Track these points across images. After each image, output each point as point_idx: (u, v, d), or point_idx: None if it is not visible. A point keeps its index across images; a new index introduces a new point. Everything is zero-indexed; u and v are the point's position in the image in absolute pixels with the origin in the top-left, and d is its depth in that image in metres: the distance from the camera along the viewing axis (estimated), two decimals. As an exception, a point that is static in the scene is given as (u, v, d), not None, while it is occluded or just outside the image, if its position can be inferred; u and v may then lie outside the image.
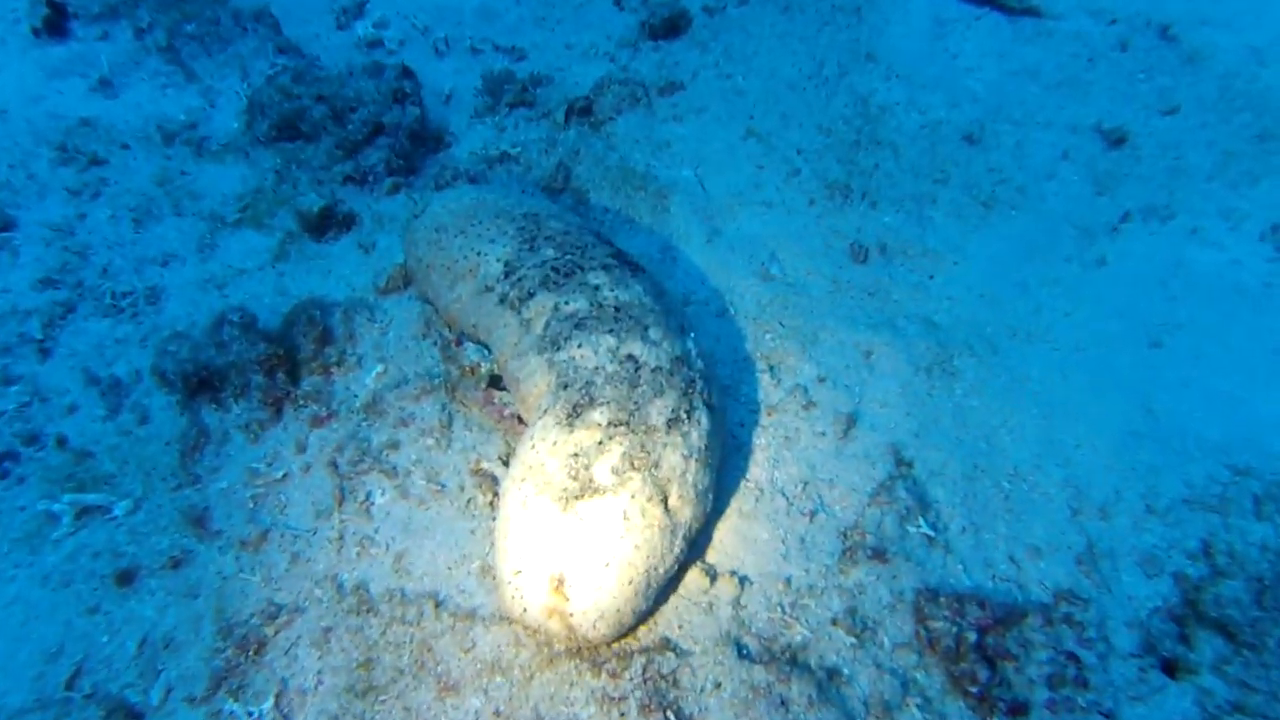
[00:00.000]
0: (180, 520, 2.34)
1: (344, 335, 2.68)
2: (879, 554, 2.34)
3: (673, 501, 2.15)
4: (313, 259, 2.96)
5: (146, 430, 2.52)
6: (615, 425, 2.13)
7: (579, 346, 2.26)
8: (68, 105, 3.49)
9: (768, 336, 2.83)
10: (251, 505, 2.38)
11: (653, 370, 2.25)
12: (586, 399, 2.16)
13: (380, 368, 2.62)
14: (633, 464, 2.11)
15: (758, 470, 2.51)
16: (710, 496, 2.28)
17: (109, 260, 2.96)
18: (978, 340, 2.84)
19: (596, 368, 2.21)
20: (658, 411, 2.19)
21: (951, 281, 3.00)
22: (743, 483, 2.48)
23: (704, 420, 2.28)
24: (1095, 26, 3.84)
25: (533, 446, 2.14)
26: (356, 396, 2.56)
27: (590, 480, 2.06)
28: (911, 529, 2.41)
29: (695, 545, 2.28)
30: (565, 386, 2.19)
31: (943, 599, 2.25)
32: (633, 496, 2.08)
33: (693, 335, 2.46)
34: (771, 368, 2.75)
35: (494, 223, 2.64)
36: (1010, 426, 2.64)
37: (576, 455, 2.08)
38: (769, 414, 2.64)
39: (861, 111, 3.48)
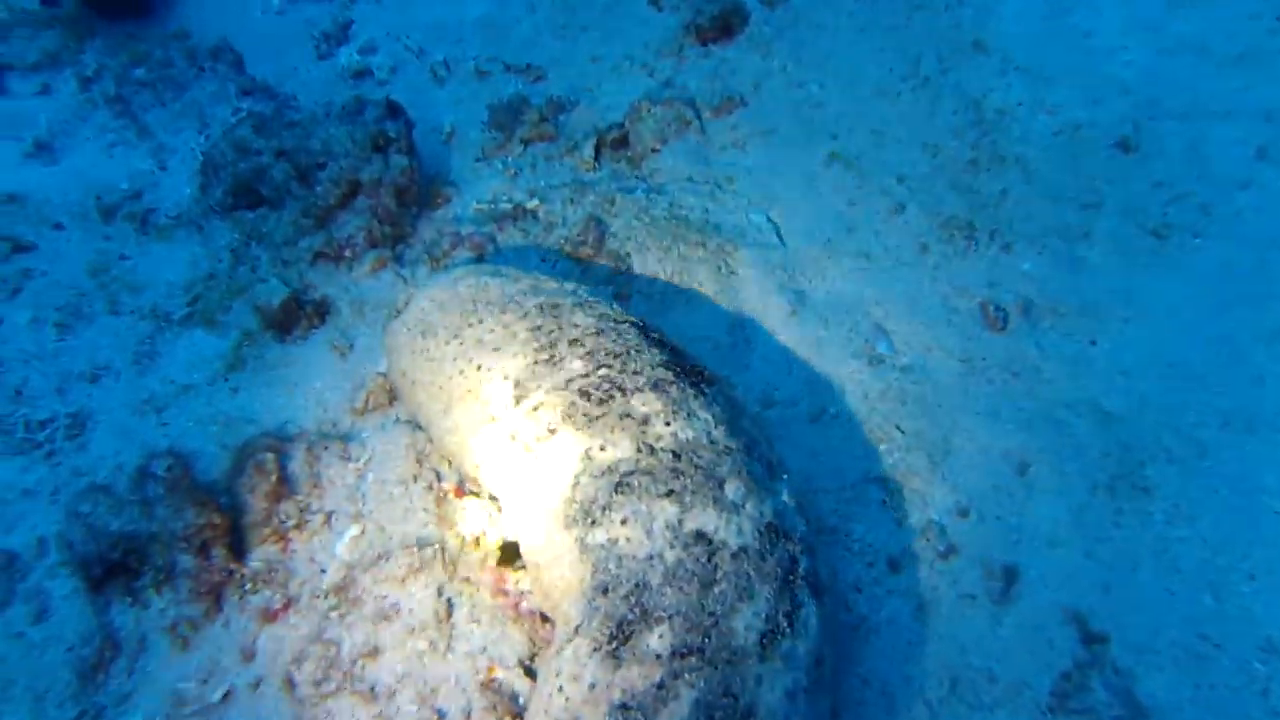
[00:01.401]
0: (83, 775, 1.68)
1: (307, 483, 1.99)
2: (1083, 803, 1.58)
3: (775, 769, 1.42)
4: (274, 367, 2.28)
5: (44, 630, 1.87)
6: (683, 655, 1.40)
7: (623, 523, 1.53)
8: (-6, 177, 2.87)
9: (883, 448, 2.07)
10: (179, 750, 1.71)
11: (734, 554, 1.51)
12: (638, 612, 1.43)
13: (355, 529, 1.92)
14: (711, 719, 1.38)
15: (883, 663, 1.76)
16: (827, 733, 1.54)
17: (25, 378, 2.32)
18: (1174, 435, 2.04)
19: (651, 557, 1.49)
20: (745, 624, 1.46)
21: (1123, 347, 2.20)
22: (861, 687, 1.73)
23: (813, 622, 1.54)
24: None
25: (560, 690, 1.43)
26: (324, 573, 1.87)
27: (649, 753, 1.34)
28: (1124, 753, 1.64)
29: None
30: (605, 591, 1.47)
31: None
32: (715, 777, 1.36)
33: (786, 477, 1.72)
34: (891, 495, 1.99)
35: (499, 321, 1.93)
36: (1246, 569, 1.85)
37: (626, 710, 1.37)
38: (893, 569, 1.89)
39: (975, 119, 2.68)
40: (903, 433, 2.08)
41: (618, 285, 2.33)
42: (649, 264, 2.37)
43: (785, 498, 1.68)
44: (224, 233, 2.52)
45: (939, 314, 2.29)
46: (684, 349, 1.92)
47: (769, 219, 2.47)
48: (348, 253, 2.47)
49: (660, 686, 1.38)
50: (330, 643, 1.77)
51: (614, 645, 1.41)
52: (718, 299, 2.32)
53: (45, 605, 1.90)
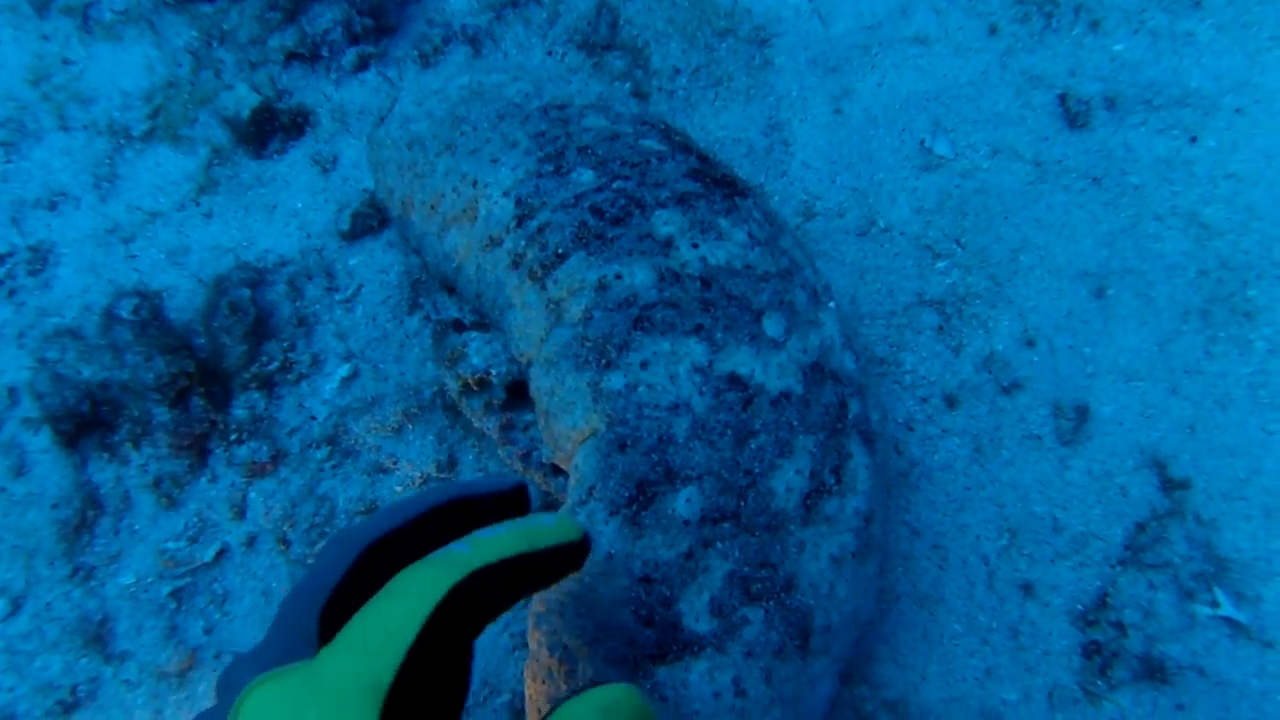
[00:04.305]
0: (75, 633, 1.58)
1: (291, 321, 1.77)
2: (1150, 665, 1.43)
3: (815, 642, 1.26)
4: (250, 187, 2.01)
5: (25, 485, 1.72)
6: (715, 521, 1.22)
7: (643, 365, 1.31)
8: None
9: (940, 266, 1.81)
10: (173, 609, 1.59)
11: (774, 401, 1.30)
12: (661, 471, 1.23)
13: (347, 369, 1.73)
14: (748, 593, 1.21)
15: (934, 513, 1.58)
16: (874, 594, 1.38)
17: (-25, 204, 2.08)
18: (1285, 250, 1.76)
19: (676, 406, 1.27)
20: (786, 483, 1.26)
21: (1231, 146, 1.87)
22: (911, 539, 1.56)
23: (862, 475, 1.34)
24: None
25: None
26: (315, 420, 1.69)
27: (675, 628, 1.18)
28: (1202, 610, 1.47)
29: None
30: (623, 446, 1.26)
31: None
32: (748, 655, 1.20)
33: (833, 305, 1.48)
34: (948, 320, 1.75)
35: (496, 127, 1.64)
36: (1355, 407, 1.62)
37: (649, 583, 1.19)
38: (950, 404, 1.68)
39: None
40: (963, 248, 1.81)
41: (635, 82, 2.00)
42: (671, 56, 2.02)
43: (832, 330, 1.44)
44: (180, 30, 2.17)
45: (1009, 109, 1.95)
46: (713, 155, 1.64)
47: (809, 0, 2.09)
48: (325, 51, 2.13)
49: (688, 556, 1.21)
50: (325, 499, 1.61)
51: (634, 509, 1.22)
52: (751, 94, 1.99)
53: (22, 460, 1.74)
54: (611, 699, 0.79)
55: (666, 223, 1.42)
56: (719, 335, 1.31)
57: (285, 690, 0.65)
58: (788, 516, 1.25)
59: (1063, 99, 1.95)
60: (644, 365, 1.30)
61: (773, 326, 1.35)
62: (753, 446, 1.25)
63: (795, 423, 1.29)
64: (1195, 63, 1.95)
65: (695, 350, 1.30)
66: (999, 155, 1.91)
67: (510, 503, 0.92)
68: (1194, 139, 1.89)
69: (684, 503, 1.21)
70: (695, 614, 1.18)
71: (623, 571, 1.19)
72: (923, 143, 1.92)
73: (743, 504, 1.22)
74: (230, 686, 0.69)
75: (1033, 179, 1.88)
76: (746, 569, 1.21)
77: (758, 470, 1.24)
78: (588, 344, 1.35)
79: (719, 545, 1.21)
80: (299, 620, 0.73)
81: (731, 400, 1.27)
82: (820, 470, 1.29)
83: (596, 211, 1.44)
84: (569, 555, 0.89)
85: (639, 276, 1.36)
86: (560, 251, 1.44)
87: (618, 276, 1.37)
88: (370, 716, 0.64)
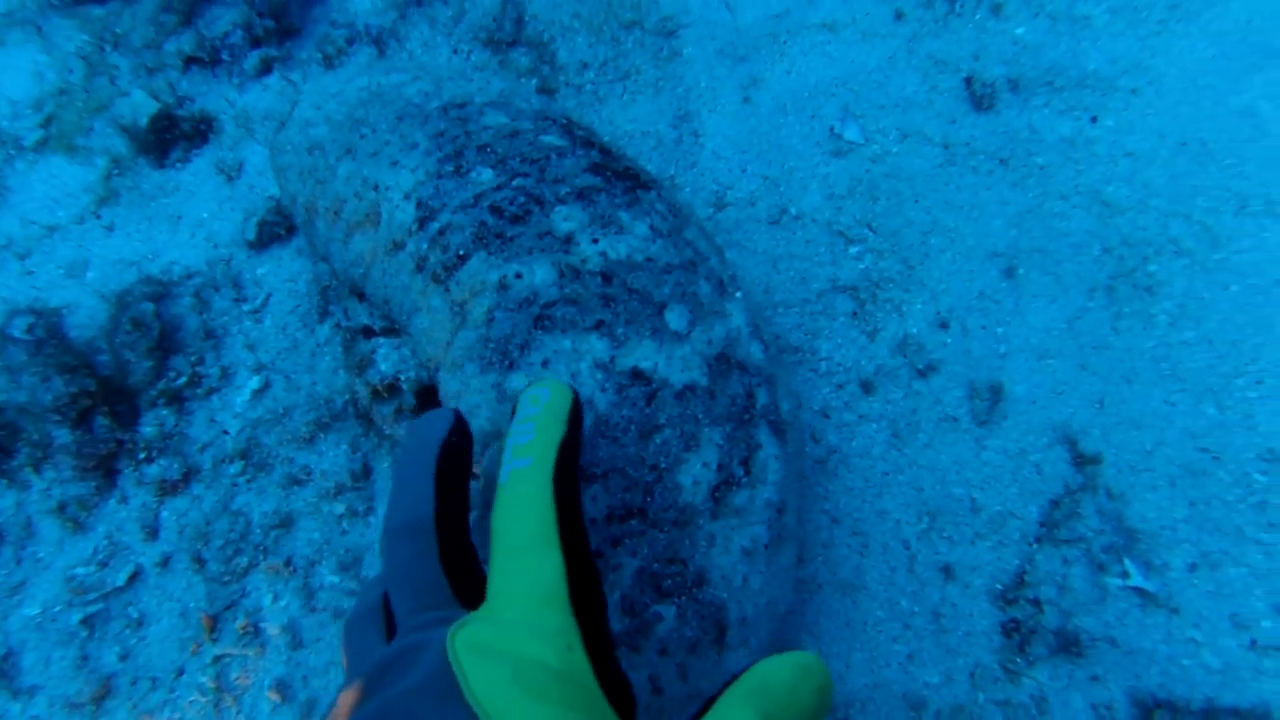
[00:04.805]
0: (-25, 668, 1.52)
1: (199, 334, 1.72)
2: (1066, 639, 1.45)
3: (731, 636, 1.26)
4: (153, 198, 1.95)
5: (-81, 516, 1.65)
6: (621, 519, 1.20)
7: (544, 364, 1.29)
8: None
9: (852, 251, 1.81)
10: (84, 637, 1.54)
11: (678, 395, 1.29)
12: (565, 471, 1.22)
13: (258, 381, 1.68)
14: (659, 590, 1.20)
15: (853, 500, 1.59)
16: (790, 584, 1.38)
17: None
18: (1184, 224, 1.79)
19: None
20: (693, 476, 1.25)
21: (1129, 125, 1.90)
22: (830, 526, 1.57)
23: (773, 466, 1.34)
24: None
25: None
26: (227, 434, 1.65)
27: (584, 630, 1.17)
28: (1113, 581, 1.50)
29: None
30: (527, 447, 1.24)
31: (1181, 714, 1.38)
32: (662, 652, 1.19)
33: (740, 295, 1.47)
34: (863, 305, 1.76)
35: (396, 128, 1.61)
36: (1255, 373, 1.65)
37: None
38: (866, 390, 1.68)
39: None
40: (874, 233, 1.82)
41: (541, 78, 1.97)
42: (577, 50, 2.00)
43: (738, 321, 1.44)
44: (70, 34, 2.10)
45: (916, 93, 1.97)
46: (617, 149, 1.62)
47: (718, -13, 2.08)
48: (225, 55, 2.08)
49: (596, 555, 1.19)
50: (239, 515, 1.57)
51: (539, 510, 1.20)
52: (660, 86, 1.98)
53: (-87, 485, 1.68)
54: (807, 660, 0.85)
55: (566, 219, 1.40)
56: (620, 330, 1.30)
57: (488, 624, 0.75)
58: (696, 510, 1.24)
59: (968, 82, 1.97)
60: (545, 364, 1.28)
61: (675, 319, 1.34)
62: (657, 441, 1.24)
63: (700, 415, 1.28)
64: (1092, 45, 1.98)
65: (596, 347, 1.28)
66: (908, 139, 1.92)
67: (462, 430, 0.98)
68: (1094, 119, 1.92)
69: (589, 501, 1.20)
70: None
71: (528, 574, 1.16)
72: (832, 129, 1.93)
73: (649, 500, 1.21)
74: (363, 635, 0.87)
75: (941, 162, 1.89)
76: (656, 565, 1.19)
77: (663, 465, 1.23)
78: (491, 345, 1.33)
79: (627, 543, 1.20)
80: (424, 568, 0.84)
81: (634, 396, 1.26)
82: (728, 462, 1.28)
83: (496, 211, 1.42)
84: (579, 409, 0.96)
85: (539, 275, 1.35)
86: (461, 253, 1.42)
87: (518, 276, 1.35)
88: (566, 612, 0.76)
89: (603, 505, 1.20)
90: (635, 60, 1.99)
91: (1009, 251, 1.78)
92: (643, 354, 1.29)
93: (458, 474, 0.92)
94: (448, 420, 0.94)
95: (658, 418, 1.25)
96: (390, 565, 0.86)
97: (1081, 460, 1.59)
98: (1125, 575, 1.49)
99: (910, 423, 1.65)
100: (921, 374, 1.68)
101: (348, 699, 0.73)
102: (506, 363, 1.30)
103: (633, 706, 0.82)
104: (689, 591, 1.22)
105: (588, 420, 1.23)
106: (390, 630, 0.88)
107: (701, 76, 1.99)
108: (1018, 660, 1.47)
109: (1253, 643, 1.45)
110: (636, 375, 1.27)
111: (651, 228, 1.43)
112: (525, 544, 0.79)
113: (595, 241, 1.38)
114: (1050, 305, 1.73)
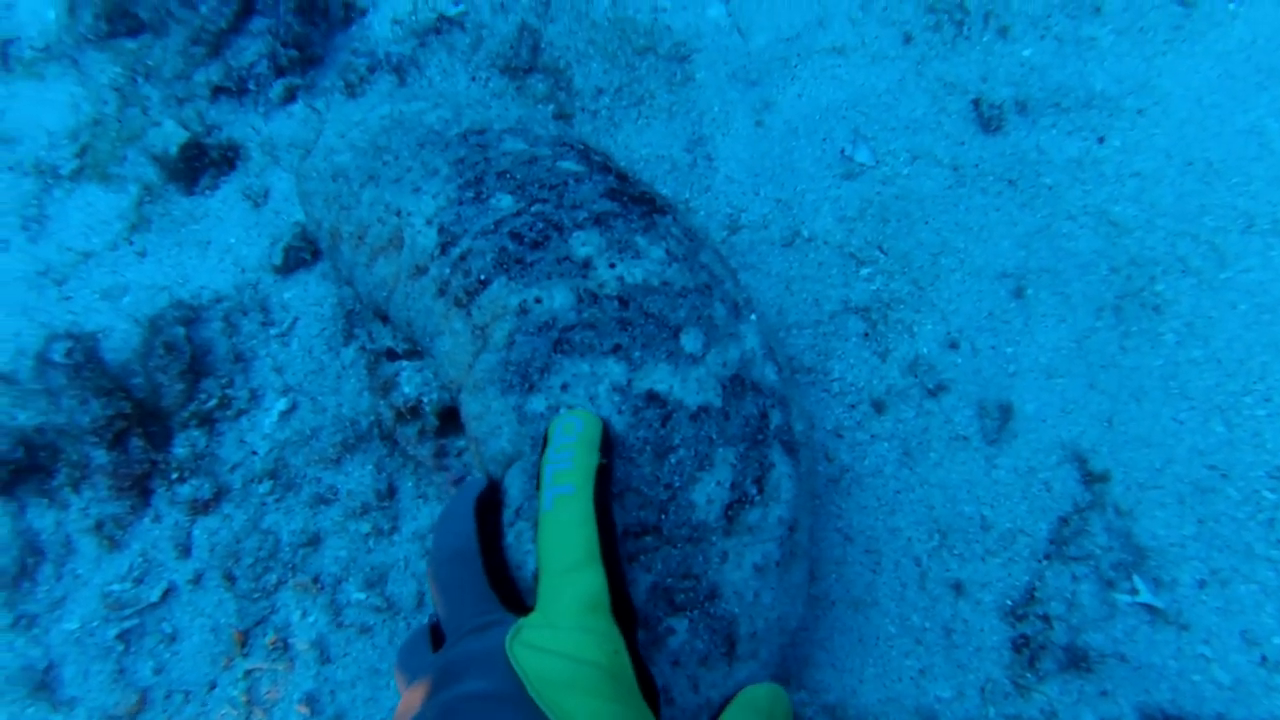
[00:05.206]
0: (19, 683, 1.57)
1: (228, 357, 1.78)
2: (1075, 655, 1.48)
3: (741, 649, 1.29)
4: (183, 224, 2.01)
5: (-41, 535, 1.71)
6: (636, 535, 1.24)
7: (563, 388, 1.34)
8: None
9: (864, 273, 1.85)
10: (120, 651, 1.59)
11: (692, 416, 1.33)
12: (583, 491, 1.26)
13: (285, 403, 1.74)
14: (672, 604, 1.24)
15: (865, 518, 1.62)
16: (801, 600, 1.41)
17: (-98, 252, 2.06)
18: (1191, 243, 1.82)
19: (596, 426, 1.29)
20: (707, 495, 1.29)
21: (1136, 145, 1.93)
22: (843, 544, 1.60)
23: (785, 485, 1.37)
24: None
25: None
26: (256, 455, 1.70)
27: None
28: (1122, 598, 1.52)
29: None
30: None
31: (1192, 727, 1.41)
32: (675, 664, 1.23)
33: (754, 317, 1.51)
34: (874, 326, 1.79)
35: (417, 155, 1.66)
36: (1263, 391, 1.68)
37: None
38: (878, 409, 1.72)
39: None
40: (885, 254, 1.86)
41: (558, 104, 2.03)
42: (592, 76, 2.06)
43: (753, 343, 1.47)
44: (104, 67, 2.18)
45: (925, 115, 2.01)
46: (633, 174, 1.67)
47: (728, 13, 2.13)
48: (252, 84, 2.15)
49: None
50: (268, 533, 1.62)
51: (559, 529, 1.24)
52: (673, 111, 2.03)
53: (-46, 506, 1.74)
54: (778, 688, 1.10)
55: (584, 244, 1.44)
56: (636, 354, 1.34)
57: (543, 630, 0.87)
58: (709, 528, 1.27)
59: (976, 104, 2.00)
60: (564, 388, 1.32)
61: (691, 342, 1.38)
62: (672, 461, 1.28)
63: (714, 436, 1.32)
64: (1099, 66, 2.01)
65: (614, 370, 1.32)
66: (918, 161, 1.96)
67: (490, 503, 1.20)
68: (1102, 139, 1.95)
69: (606, 521, 1.23)
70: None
71: (548, 591, 1.20)
72: (843, 151, 1.97)
73: (664, 517, 1.25)
74: (417, 652, 1.02)
75: (951, 183, 1.93)
76: (669, 580, 1.23)
77: (678, 484, 1.27)
78: (511, 368, 1.38)
79: (642, 559, 1.23)
80: (475, 584, 0.99)
81: (650, 417, 1.30)
82: (741, 481, 1.32)
83: (515, 236, 1.47)
84: (609, 438, 1.14)
85: (558, 299, 1.39)
86: (482, 278, 1.46)
87: (537, 300, 1.40)
88: (610, 619, 0.90)
89: (619, 522, 1.24)
90: (649, 85, 2.04)
91: (1018, 272, 1.81)
92: (659, 377, 1.33)
93: (493, 514, 1.13)
94: (482, 481, 1.19)
95: (672, 438, 1.29)
96: (443, 586, 1.01)
97: (1090, 478, 1.62)
98: (1134, 592, 1.51)
99: (921, 442, 1.68)
100: (932, 393, 1.71)
101: (417, 694, 0.85)
102: (527, 385, 1.35)
103: (659, 704, 0.93)
104: (701, 606, 1.26)
105: (605, 442, 1.28)
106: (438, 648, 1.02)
107: (714, 101, 2.04)
108: (1028, 675, 1.50)
109: (1263, 659, 1.47)
110: (652, 398, 1.31)
111: (667, 252, 1.47)
112: (574, 560, 0.92)
113: (612, 266, 1.42)
114: (1059, 325, 1.76)
